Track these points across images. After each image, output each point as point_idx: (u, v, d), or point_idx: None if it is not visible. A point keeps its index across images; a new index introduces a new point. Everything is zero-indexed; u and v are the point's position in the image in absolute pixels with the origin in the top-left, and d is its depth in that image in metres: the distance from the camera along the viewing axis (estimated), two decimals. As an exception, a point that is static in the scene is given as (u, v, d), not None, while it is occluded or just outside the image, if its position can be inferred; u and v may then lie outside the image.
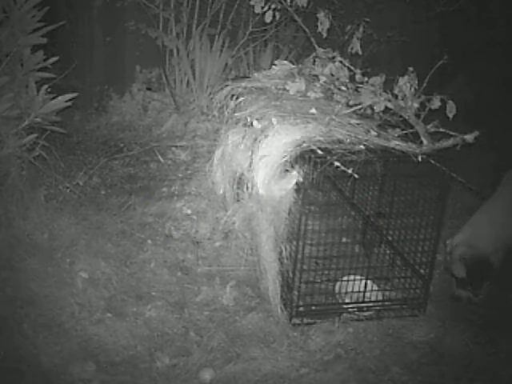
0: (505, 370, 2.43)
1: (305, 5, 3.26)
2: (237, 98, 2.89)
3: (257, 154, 2.53)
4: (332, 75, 2.82)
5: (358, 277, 2.79)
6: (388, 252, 3.02)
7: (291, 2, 3.28)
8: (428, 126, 2.59)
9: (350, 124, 2.61)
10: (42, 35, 3.15)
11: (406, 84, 2.61)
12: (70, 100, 3.20)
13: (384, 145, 2.53)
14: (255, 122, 2.63)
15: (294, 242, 2.56)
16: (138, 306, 2.72)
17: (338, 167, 2.40)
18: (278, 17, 3.31)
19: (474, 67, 4.56)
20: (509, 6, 4.31)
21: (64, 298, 2.66)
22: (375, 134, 2.59)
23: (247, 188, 2.60)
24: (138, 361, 2.42)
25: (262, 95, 2.86)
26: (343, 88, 2.80)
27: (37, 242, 2.95)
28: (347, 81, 2.80)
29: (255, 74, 3.10)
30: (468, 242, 2.72)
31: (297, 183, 2.48)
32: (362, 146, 2.48)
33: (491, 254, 2.70)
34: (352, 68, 2.80)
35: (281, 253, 2.58)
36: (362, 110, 2.71)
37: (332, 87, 2.81)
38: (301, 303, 2.68)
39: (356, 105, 2.67)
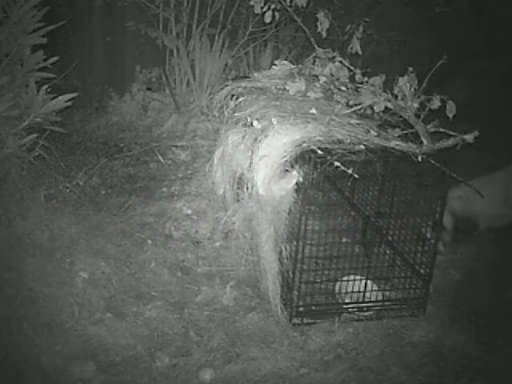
0: (505, 370, 2.43)
1: (304, 5, 3.26)
2: (237, 98, 2.89)
3: (257, 154, 2.53)
4: (332, 75, 2.82)
5: (358, 277, 2.79)
6: (388, 252, 3.02)
7: (291, 2, 3.28)
8: (428, 126, 2.59)
9: (349, 124, 2.61)
10: (42, 35, 3.15)
11: (405, 84, 2.61)
12: (69, 100, 3.19)
13: (384, 145, 2.53)
14: (255, 122, 2.63)
15: (294, 242, 2.56)
16: (138, 305, 2.72)
17: (338, 167, 2.40)
18: (277, 17, 3.31)
19: (474, 67, 4.56)
20: (508, 5, 4.31)
21: (64, 298, 2.66)
22: (375, 134, 2.59)
23: (247, 188, 2.60)
24: (138, 361, 2.42)
25: (262, 95, 2.85)
26: (343, 88, 2.79)
27: (37, 241, 2.95)
28: (347, 81, 2.80)
29: (255, 74, 3.10)
30: (462, 197, 2.91)
31: (297, 183, 2.48)
32: (361, 146, 2.48)
33: (480, 215, 2.90)
34: (352, 68, 2.80)
35: (281, 253, 2.58)
36: (362, 110, 2.71)
37: (332, 87, 2.81)
38: (301, 303, 2.68)
39: (356, 105, 2.67)
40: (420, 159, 2.52)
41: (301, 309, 2.68)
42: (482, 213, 2.91)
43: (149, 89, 4.63)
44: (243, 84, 2.97)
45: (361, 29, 3.16)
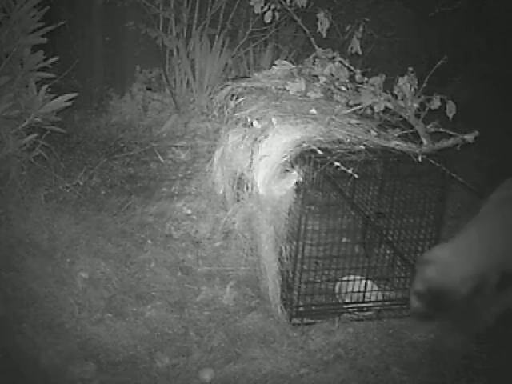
0: (505, 370, 2.43)
1: (305, 5, 3.26)
2: (237, 98, 2.89)
3: (257, 154, 2.53)
4: (332, 75, 2.82)
5: (358, 277, 2.79)
6: (388, 252, 3.02)
7: (291, 2, 3.28)
8: (428, 126, 2.59)
9: (349, 124, 2.61)
10: (42, 35, 3.15)
11: (405, 84, 2.61)
12: (70, 100, 3.20)
13: (384, 145, 2.53)
14: (255, 122, 2.63)
15: (294, 242, 2.56)
16: (138, 305, 2.72)
17: (337, 167, 2.40)
18: (277, 17, 3.31)
19: (474, 67, 4.56)
20: (508, 6, 4.31)
21: (64, 298, 2.66)
22: (375, 134, 2.59)
23: (247, 188, 2.60)
24: (138, 361, 2.42)
25: (262, 95, 2.86)
26: (343, 88, 2.80)
27: (37, 241, 2.95)
28: (347, 81, 2.80)
29: (255, 74, 3.10)
30: (440, 266, 2.30)
31: (297, 183, 2.48)
32: (361, 146, 2.48)
33: (460, 285, 2.27)
34: (352, 68, 2.80)
35: (281, 253, 2.58)
36: (362, 110, 2.71)
37: (332, 87, 2.81)
38: (301, 303, 2.68)
39: (356, 105, 2.67)
40: (420, 159, 2.52)
41: (301, 309, 2.68)
42: (466, 278, 2.26)
43: (149, 89, 4.63)
44: (243, 84, 2.97)
45: (361, 29, 3.16)
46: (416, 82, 2.62)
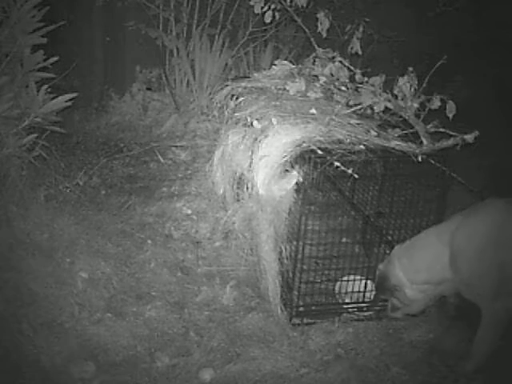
0: (505, 370, 2.43)
1: (305, 5, 3.26)
2: (237, 98, 2.89)
3: (257, 154, 2.53)
4: (332, 75, 2.82)
5: (358, 277, 2.79)
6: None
7: (291, 2, 3.28)
8: (428, 126, 2.59)
9: (349, 124, 2.61)
10: (42, 35, 3.15)
11: (405, 84, 2.61)
12: (70, 100, 3.20)
13: (384, 145, 2.53)
14: (255, 122, 2.63)
15: (294, 242, 2.57)
16: (138, 305, 2.72)
17: (337, 167, 2.40)
18: (277, 17, 3.31)
19: (474, 67, 4.56)
20: (508, 6, 4.31)
21: (64, 298, 2.67)
22: (375, 134, 2.59)
23: (247, 188, 2.61)
24: (138, 361, 2.43)
25: (262, 95, 2.85)
26: (343, 88, 2.80)
27: (37, 241, 2.95)
28: (347, 81, 2.80)
29: (255, 74, 3.10)
30: (387, 263, 2.50)
31: (297, 183, 2.48)
32: (361, 146, 2.49)
33: (404, 284, 2.42)
34: (352, 68, 2.80)
35: (281, 253, 2.59)
36: (362, 110, 2.71)
37: (332, 87, 2.81)
38: (301, 303, 2.68)
39: (356, 105, 2.67)
40: (420, 159, 2.52)
41: (301, 309, 2.69)
42: (401, 279, 2.40)
43: (149, 89, 4.63)
44: (243, 84, 2.97)
45: (361, 29, 3.15)
46: (416, 82, 2.62)
